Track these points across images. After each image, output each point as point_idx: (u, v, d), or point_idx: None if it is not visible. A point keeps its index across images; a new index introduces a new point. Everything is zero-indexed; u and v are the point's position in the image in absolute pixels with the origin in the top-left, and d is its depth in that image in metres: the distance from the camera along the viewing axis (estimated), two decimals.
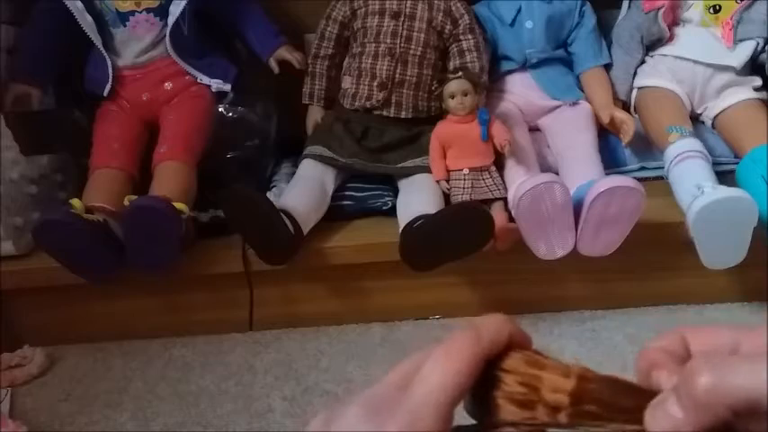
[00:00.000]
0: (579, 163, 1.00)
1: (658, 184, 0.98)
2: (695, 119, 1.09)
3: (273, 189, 1.06)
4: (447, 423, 0.26)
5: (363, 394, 0.27)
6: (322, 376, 0.96)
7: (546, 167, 1.04)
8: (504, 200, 0.97)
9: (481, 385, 0.27)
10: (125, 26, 1.03)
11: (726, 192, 0.86)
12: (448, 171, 1.00)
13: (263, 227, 0.90)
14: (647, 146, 1.07)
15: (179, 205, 0.91)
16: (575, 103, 1.09)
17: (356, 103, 1.05)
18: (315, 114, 1.12)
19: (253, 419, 0.90)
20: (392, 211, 1.00)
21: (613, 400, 0.25)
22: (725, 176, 0.95)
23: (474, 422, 0.28)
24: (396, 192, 1.04)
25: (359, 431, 0.25)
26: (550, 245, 0.90)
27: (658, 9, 1.05)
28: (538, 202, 0.87)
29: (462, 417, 0.28)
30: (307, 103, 1.12)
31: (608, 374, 0.26)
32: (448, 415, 0.26)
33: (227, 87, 1.09)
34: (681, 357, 0.26)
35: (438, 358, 0.26)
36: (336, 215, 1.02)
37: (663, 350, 0.26)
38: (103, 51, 1.02)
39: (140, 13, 1.03)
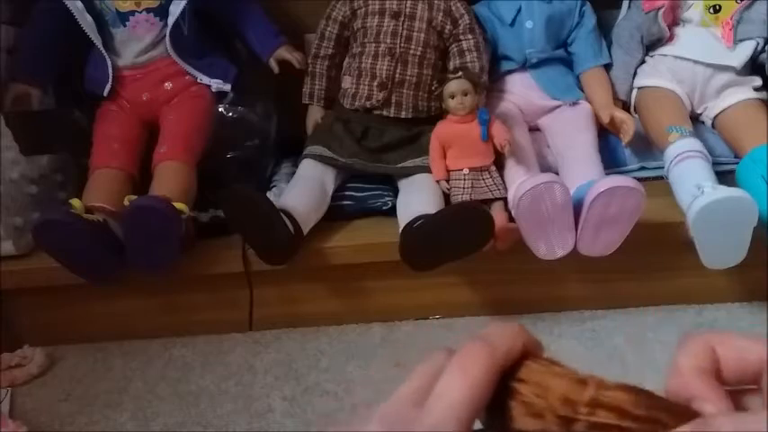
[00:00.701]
0: (579, 163, 1.00)
1: (658, 184, 0.98)
2: (695, 119, 1.09)
3: (273, 189, 1.06)
4: None
5: (378, 412, 0.26)
6: (322, 376, 0.96)
7: (546, 167, 1.04)
8: (504, 200, 0.97)
9: (496, 396, 0.26)
10: (125, 26, 1.03)
11: (726, 192, 0.86)
12: (448, 171, 1.00)
13: (263, 227, 0.89)
14: (647, 146, 1.07)
15: (179, 205, 0.91)
16: (575, 103, 1.08)
17: (356, 103, 1.05)
18: (315, 114, 1.12)
19: (253, 419, 0.90)
20: (392, 211, 1.00)
21: (631, 407, 0.24)
22: (725, 176, 0.95)
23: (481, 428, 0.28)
24: (396, 192, 1.04)
25: None
26: (550, 245, 0.90)
27: (658, 9, 1.05)
28: (538, 202, 0.86)
29: None
30: (307, 103, 1.12)
31: (623, 383, 0.25)
32: (468, 430, 0.25)
33: (227, 87, 1.09)
34: (714, 373, 0.26)
35: (454, 373, 0.26)
36: (336, 215, 1.02)
37: (698, 371, 0.26)
38: (103, 51, 1.02)
39: (140, 12, 1.03)
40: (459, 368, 0.26)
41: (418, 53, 1.05)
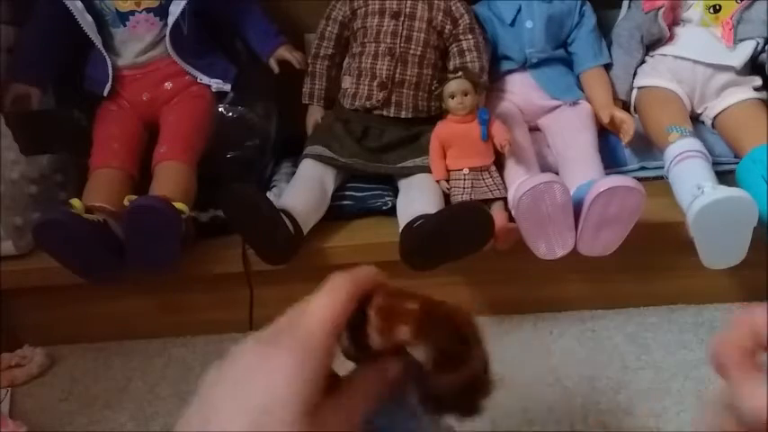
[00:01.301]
0: (579, 163, 1.00)
1: (658, 184, 0.98)
2: (695, 119, 1.09)
3: (273, 189, 1.06)
4: (332, 348, 0.32)
5: (253, 336, 0.33)
6: None
7: (546, 167, 1.04)
8: (504, 200, 0.97)
9: (356, 327, 0.34)
10: (125, 26, 1.03)
11: (726, 192, 0.86)
12: (448, 171, 1.00)
13: (263, 227, 0.89)
14: (647, 146, 1.07)
15: (179, 205, 0.91)
16: (575, 103, 1.08)
17: (356, 103, 1.05)
18: (315, 114, 1.12)
19: None
20: (392, 211, 1.00)
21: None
22: (725, 176, 0.95)
23: None
24: (396, 192, 1.04)
25: (254, 361, 0.31)
26: (550, 245, 0.90)
27: (658, 9, 1.05)
28: (538, 202, 0.86)
29: None
30: (307, 102, 1.12)
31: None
32: (332, 339, 0.32)
33: (227, 87, 1.09)
34: (753, 350, 0.30)
35: (320, 297, 0.33)
36: (336, 215, 1.02)
37: (735, 347, 0.30)
38: (103, 51, 1.02)
39: (140, 12, 1.03)
40: (323, 294, 0.33)
41: (418, 53, 1.05)
